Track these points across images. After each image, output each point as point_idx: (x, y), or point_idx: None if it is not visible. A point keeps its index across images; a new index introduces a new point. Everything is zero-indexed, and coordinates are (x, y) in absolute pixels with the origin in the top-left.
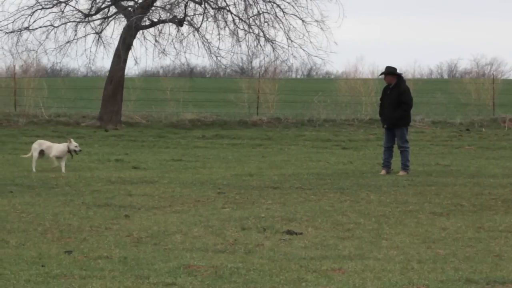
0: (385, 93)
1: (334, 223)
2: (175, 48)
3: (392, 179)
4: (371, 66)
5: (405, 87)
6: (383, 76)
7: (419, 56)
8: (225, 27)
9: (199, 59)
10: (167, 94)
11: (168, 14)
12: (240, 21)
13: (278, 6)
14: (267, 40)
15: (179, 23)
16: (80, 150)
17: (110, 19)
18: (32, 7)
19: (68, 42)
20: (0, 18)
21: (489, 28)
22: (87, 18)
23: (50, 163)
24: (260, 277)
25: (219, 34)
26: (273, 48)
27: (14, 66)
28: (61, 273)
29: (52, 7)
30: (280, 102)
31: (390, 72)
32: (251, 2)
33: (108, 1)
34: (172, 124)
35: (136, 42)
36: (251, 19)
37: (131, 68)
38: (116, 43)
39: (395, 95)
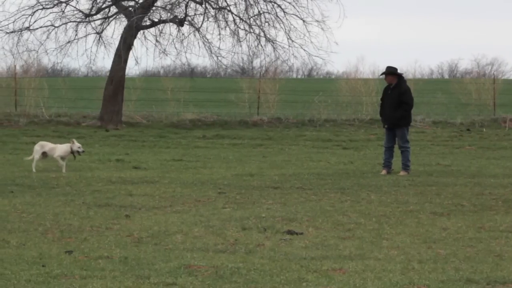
0: (386, 93)
1: (334, 223)
2: (175, 48)
3: (393, 179)
4: (372, 66)
5: (405, 87)
6: (383, 76)
7: (419, 56)
8: (225, 27)
9: (199, 59)
10: (168, 94)
11: (169, 14)
12: (241, 21)
13: (279, 6)
14: (268, 40)
15: (180, 23)
16: (83, 151)
17: (111, 19)
18: (32, 7)
19: (68, 42)
20: (0, 18)
21: (489, 28)
22: (87, 18)
23: (56, 163)
24: (260, 277)
25: (219, 34)
26: (274, 48)
27: (15, 66)
28: (61, 273)
29: (52, 7)
30: (280, 102)
31: (390, 72)
32: (251, 2)
33: (108, 1)
34: (173, 124)
35: (136, 42)
36: (251, 19)
37: (132, 68)
38: (117, 43)
39: (396, 95)
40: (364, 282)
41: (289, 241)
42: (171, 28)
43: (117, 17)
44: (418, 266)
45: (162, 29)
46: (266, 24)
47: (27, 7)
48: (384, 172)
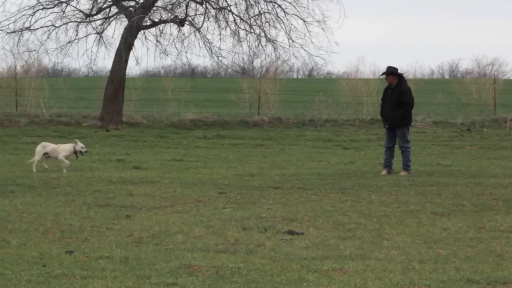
0: (386, 93)
1: (335, 223)
2: (176, 48)
3: (393, 179)
4: (372, 66)
5: (406, 87)
6: (384, 76)
7: (420, 56)
8: (226, 27)
9: (200, 59)
10: (168, 94)
11: (169, 14)
12: (241, 21)
13: (279, 6)
14: (268, 40)
15: (180, 23)
16: (86, 151)
17: (111, 19)
18: (33, 7)
19: (69, 42)
20: (1, 18)
21: (490, 28)
22: (88, 18)
23: (59, 163)
24: (261, 277)
25: (220, 34)
26: (274, 48)
27: (15, 66)
28: (62, 273)
29: (53, 7)
30: (281, 102)
31: (391, 72)
32: (252, 2)
33: (109, 1)
34: (173, 124)
35: (137, 42)
36: (252, 19)
37: (132, 68)
38: (117, 43)
39: (396, 95)
40: (365, 282)
41: (290, 241)
42: (172, 28)
43: (118, 17)
44: (419, 266)
45: (162, 29)
46: (267, 24)
47: (27, 7)
48: (384, 172)
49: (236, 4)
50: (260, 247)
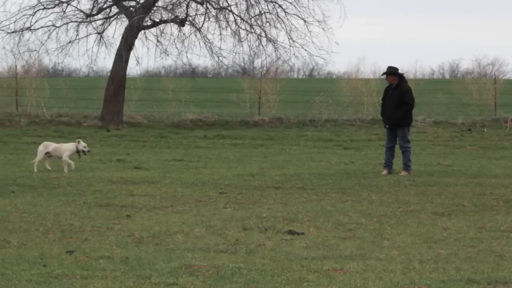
0: (387, 93)
1: (335, 223)
2: (176, 48)
3: (394, 179)
4: (373, 66)
5: (406, 87)
6: (384, 76)
7: (420, 56)
8: (226, 27)
9: (200, 59)
10: (169, 94)
11: (170, 14)
12: (242, 21)
13: (280, 6)
14: (269, 40)
15: (181, 23)
16: (88, 151)
17: (112, 19)
18: (33, 7)
19: (69, 42)
20: (1, 18)
21: (491, 28)
22: (88, 18)
23: (63, 165)
24: (261, 277)
25: (220, 34)
26: (275, 48)
27: (16, 66)
28: (62, 273)
29: (53, 7)
30: (281, 102)
31: (392, 72)
32: (252, 2)
33: (110, 1)
34: (174, 124)
35: (138, 42)
36: (252, 19)
37: (133, 68)
38: (118, 43)
39: (397, 95)
40: (365, 282)
41: (290, 241)
42: (172, 28)
43: (118, 17)
44: (419, 266)
45: (163, 29)
46: (267, 24)
47: (28, 7)
48: (385, 172)
49: (236, 4)
50: (261, 247)
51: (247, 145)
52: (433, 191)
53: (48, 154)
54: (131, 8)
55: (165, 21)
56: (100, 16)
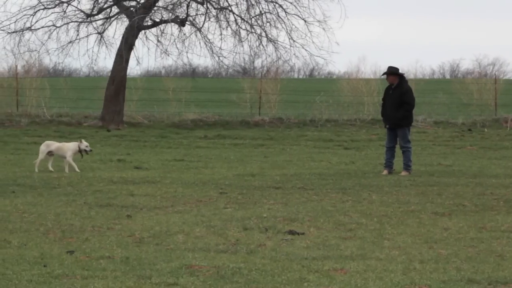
0: (387, 93)
1: (336, 223)
2: (177, 48)
3: (394, 179)
4: (373, 66)
5: (407, 87)
6: (385, 76)
7: (421, 56)
8: (227, 27)
9: (201, 59)
10: (169, 94)
11: (170, 14)
12: (242, 21)
13: (280, 6)
14: (269, 40)
15: (181, 23)
16: (90, 150)
17: (112, 19)
18: (34, 7)
19: (70, 42)
20: (2, 18)
21: (491, 28)
22: (89, 18)
23: (65, 165)
24: (262, 277)
25: (221, 34)
26: (275, 48)
27: (16, 66)
28: (63, 273)
29: (54, 7)
30: (282, 102)
31: (392, 72)
32: (253, 2)
33: (110, 1)
34: (174, 124)
35: (138, 42)
36: (253, 19)
37: (133, 68)
38: (118, 43)
39: (397, 95)
40: (366, 282)
41: (291, 241)
42: (173, 28)
43: (119, 17)
44: (420, 266)
45: (163, 29)
46: (268, 24)
47: (28, 7)
48: (385, 172)
49: (237, 4)
50: (261, 247)
51: (247, 145)
52: (434, 191)
53: (50, 153)
54: (132, 8)
55: (166, 21)
56: (100, 16)
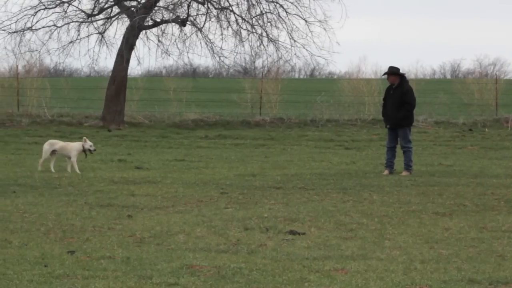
0: (388, 93)
1: (337, 223)
2: (178, 48)
3: (395, 179)
4: (374, 66)
5: (408, 87)
6: (386, 76)
7: (421, 56)
8: (228, 27)
9: (202, 59)
10: (170, 94)
11: (171, 14)
12: (243, 21)
13: (281, 6)
14: (270, 40)
15: (182, 23)
16: (94, 150)
17: (113, 19)
18: (35, 7)
19: (71, 42)
20: (3, 18)
21: (492, 28)
22: (90, 18)
23: (68, 166)
24: (262, 277)
25: (222, 34)
26: (276, 48)
27: (17, 66)
28: (63, 273)
29: (55, 7)
30: (283, 102)
31: (393, 72)
32: (254, 2)
33: (111, 1)
34: (175, 124)
35: (139, 42)
36: (254, 19)
37: (134, 68)
38: (119, 43)
39: (398, 95)
40: (366, 282)
41: (291, 241)
42: (173, 28)
43: (120, 17)
44: (420, 266)
45: (164, 29)
46: (269, 24)
47: (29, 7)
48: (386, 172)
49: (238, 4)
50: (262, 247)
51: (248, 145)
52: (435, 191)
53: (53, 152)
54: (132, 8)
55: (166, 21)
56: (101, 16)
